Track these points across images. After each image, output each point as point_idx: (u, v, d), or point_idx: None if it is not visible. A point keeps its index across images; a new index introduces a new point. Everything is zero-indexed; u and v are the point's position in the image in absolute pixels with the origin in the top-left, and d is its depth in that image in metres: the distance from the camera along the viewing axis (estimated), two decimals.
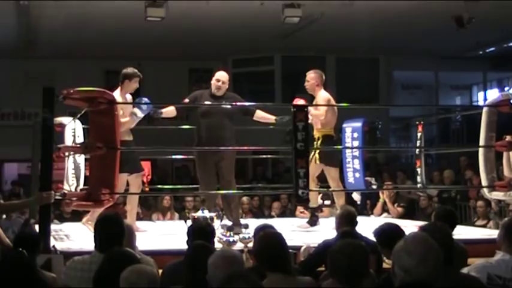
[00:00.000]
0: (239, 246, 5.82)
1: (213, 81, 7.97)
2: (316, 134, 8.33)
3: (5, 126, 16.74)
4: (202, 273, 3.62)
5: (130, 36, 14.20)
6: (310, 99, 8.46)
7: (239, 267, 3.59)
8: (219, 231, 6.03)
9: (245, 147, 8.09)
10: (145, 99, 7.80)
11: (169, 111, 8.08)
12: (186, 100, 8.16)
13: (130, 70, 7.89)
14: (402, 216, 9.96)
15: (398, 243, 3.08)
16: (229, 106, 7.85)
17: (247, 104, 8.37)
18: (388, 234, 4.63)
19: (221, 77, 7.95)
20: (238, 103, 8.07)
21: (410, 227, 5.87)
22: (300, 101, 7.64)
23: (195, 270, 3.76)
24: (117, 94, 7.62)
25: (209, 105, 7.88)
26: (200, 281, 3.60)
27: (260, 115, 8.06)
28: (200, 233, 4.76)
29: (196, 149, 8.04)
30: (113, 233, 4.40)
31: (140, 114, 7.70)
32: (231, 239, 5.89)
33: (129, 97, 7.97)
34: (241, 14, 12.84)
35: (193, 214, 7.05)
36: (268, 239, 4.14)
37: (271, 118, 8.09)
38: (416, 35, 14.91)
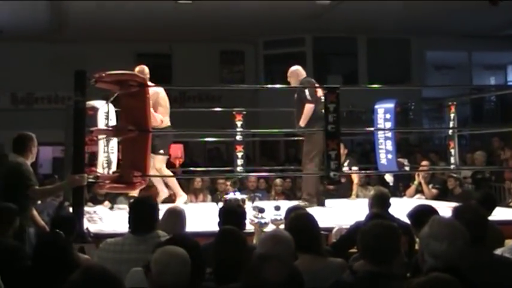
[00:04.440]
0: (271, 227, 5.81)
1: None
2: None
3: (39, 110, 16.94)
4: (232, 256, 3.62)
5: (161, 19, 14.21)
6: None
7: (286, 248, 3.59)
8: (251, 213, 6.03)
9: (276, 130, 8.11)
10: None
11: None
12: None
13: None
14: (436, 197, 9.87)
15: (423, 229, 3.06)
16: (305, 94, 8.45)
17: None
18: (422, 215, 4.59)
19: (288, 73, 8.78)
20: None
21: (443, 208, 5.81)
22: None
23: (224, 253, 3.76)
24: None
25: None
26: (229, 263, 3.60)
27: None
28: (231, 215, 4.77)
29: (228, 131, 8.31)
30: (146, 215, 4.43)
31: None
32: (262, 221, 5.89)
33: None
34: None
35: (225, 196, 7.08)
36: (299, 220, 4.14)
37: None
38: (449, 14, 14.70)
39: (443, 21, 15.42)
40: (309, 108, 8.28)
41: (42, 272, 3.74)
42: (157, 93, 8.16)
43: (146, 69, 8.00)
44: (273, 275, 2.48)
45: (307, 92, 8.32)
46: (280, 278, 2.48)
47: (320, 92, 8.23)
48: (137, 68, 8.03)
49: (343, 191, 10.33)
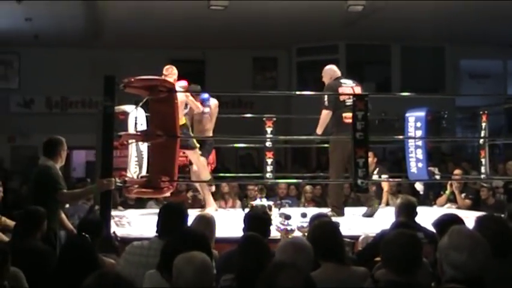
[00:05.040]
0: (297, 234, 5.81)
1: None
2: None
3: (74, 114, 17.13)
4: (254, 263, 3.63)
5: (195, 25, 14.28)
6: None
7: (305, 256, 3.59)
8: (277, 220, 6.03)
9: (304, 137, 8.09)
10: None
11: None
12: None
13: None
14: (470, 207, 9.74)
15: (442, 239, 3.03)
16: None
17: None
18: (447, 224, 4.55)
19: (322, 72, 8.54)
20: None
21: (471, 217, 5.74)
22: None
23: (247, 260, 3.76)
24: None
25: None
26: (251, 270, 3.60)
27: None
28: (256, 221, 4.78)
29: (258, 138, 8.46)
30: (173, 220, 4.45)
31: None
32: (288, 228, 5.89)
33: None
34: (305, 2, 12.76)
35: (252, 202, 7.08)
36: (322, 228, 4.12)
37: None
38: (484, 23, 14.56)
39: (478, 29, 15.27)
40: (324, 114, 8.05)
41: (66, 274, 3.78)
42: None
43: (175, 70, 8.24)
44: (288, 284, 2.48)
45: (325, 96, 8.11)
46: (295, 287, 2.48)
47: (345, 96, 8.11)
48: (167, 66, 8.18)
49: None
